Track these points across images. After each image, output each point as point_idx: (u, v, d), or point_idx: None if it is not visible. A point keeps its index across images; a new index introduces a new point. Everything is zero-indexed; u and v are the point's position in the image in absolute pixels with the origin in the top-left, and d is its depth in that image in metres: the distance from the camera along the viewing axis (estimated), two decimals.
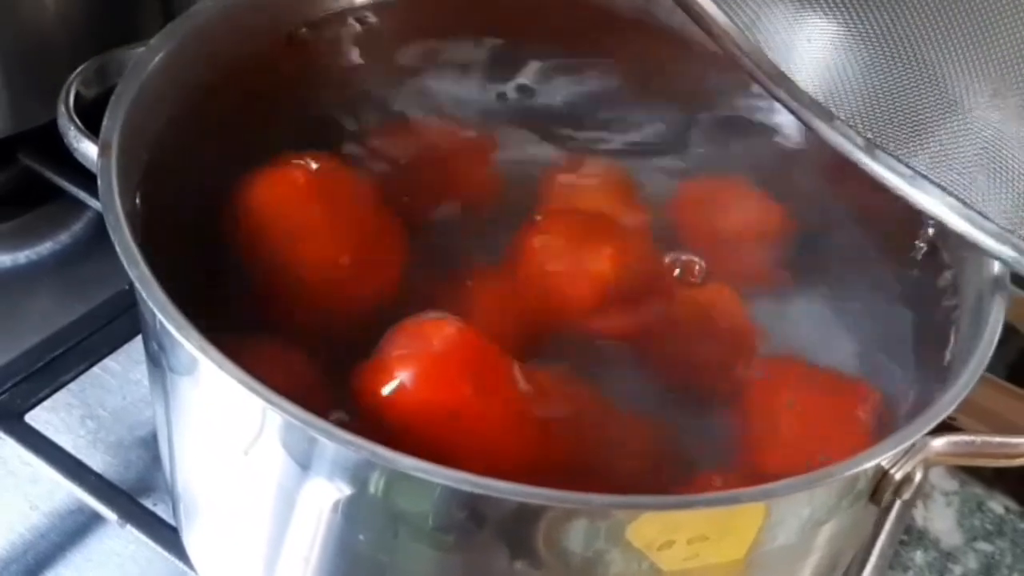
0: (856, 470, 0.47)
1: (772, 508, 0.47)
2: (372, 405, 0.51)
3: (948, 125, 0.51)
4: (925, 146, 0.51)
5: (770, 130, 0.66)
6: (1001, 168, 0.51)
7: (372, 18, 0.68)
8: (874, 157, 0.50)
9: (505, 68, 0.68)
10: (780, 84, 0.51)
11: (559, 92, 0.67)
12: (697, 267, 0.60)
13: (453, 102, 0.66)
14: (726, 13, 0.51)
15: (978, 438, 0.50)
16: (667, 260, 0.60)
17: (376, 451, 0.43)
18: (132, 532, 0.62)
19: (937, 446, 0.49)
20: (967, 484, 0.75)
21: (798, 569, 0.52)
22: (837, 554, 0.54)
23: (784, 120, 0.65)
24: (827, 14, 0.52)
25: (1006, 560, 0.72)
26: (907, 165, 0.50)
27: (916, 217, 0.61)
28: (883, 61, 0.51)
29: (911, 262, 0.61)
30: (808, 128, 0.51)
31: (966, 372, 0.50)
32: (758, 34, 0.51)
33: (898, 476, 0.48)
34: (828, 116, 0.51)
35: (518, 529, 0.45)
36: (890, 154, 0.50)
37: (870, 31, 0.51)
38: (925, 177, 0.50)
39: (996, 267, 0.55)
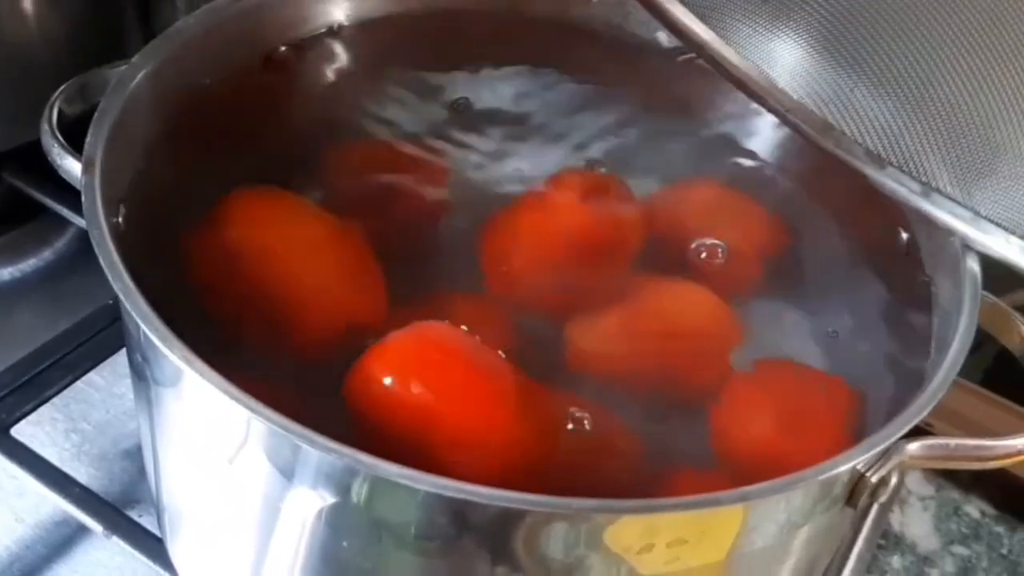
0: (832, 473, 0.47)
1: (749, 511, 0.47)
2: (353, 405, 0.51)
3: (999, 167, 0.53)
4: (979, 188, 0.52)
5: (756, 140, 0.67)
6: None
7: (353, 39, 0.68)
8: (931, 201, 0.52)
9: (485, 89, 0.68)
10: (829, 136, 0.52)
11: (541, 111, 0.68)
12: (720, 251, 0.61)
13: (432, 123, 0.66)
14: (768, 75, 0.52)
15: (952, 441, 0.50)
16: (692, 244, 0.61)
17: (357, 457, 0.44)
18: (118, 543, 0.63)
19: (912, 449, 0.49)
20: (944, 489, 0.76)
21: (776, 572, 0.53)
22: (815, 557, 0.54)
23: (769, 129, 0.66)
24: (860, 67, 0.53)
25: (982, 564, 0.72)
26: (964, 206, 0.52)
27: (893, 225, 0.62)
28: (926, 105, 0.52)
29: (889, 270, 0.61)
30: (863, 176, 0.52)
31: (939, 376, 0.51)
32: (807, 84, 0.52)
33: (874, 479, 0.49)
34: (881, 163, 0.52)
35: (499, 534, 0.46)
36: (947, 196, 0.52)
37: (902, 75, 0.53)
38: (984, 217, 0.52)
39: (970, 274, 0.55)
